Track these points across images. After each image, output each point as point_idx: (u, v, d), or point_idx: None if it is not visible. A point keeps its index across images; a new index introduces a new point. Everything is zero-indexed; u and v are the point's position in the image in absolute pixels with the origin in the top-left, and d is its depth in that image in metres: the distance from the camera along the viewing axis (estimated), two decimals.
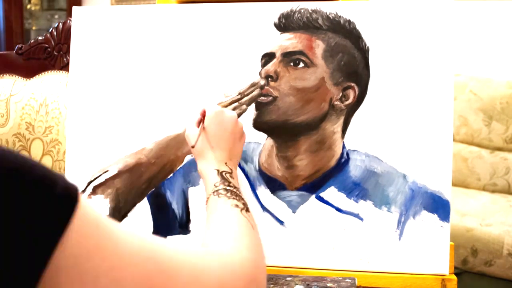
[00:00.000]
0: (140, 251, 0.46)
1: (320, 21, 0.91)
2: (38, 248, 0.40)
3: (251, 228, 0.64)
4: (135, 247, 0.46)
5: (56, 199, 0.41)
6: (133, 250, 0.46)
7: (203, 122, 0.77)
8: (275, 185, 0.91)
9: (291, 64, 0.91)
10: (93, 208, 0.45)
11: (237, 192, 0.69)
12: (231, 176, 0.71)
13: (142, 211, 0.93)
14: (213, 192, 0.68)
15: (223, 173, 0.70)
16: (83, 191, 0.92)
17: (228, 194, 0.68)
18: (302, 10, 0.92)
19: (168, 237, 0.94)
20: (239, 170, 0.92)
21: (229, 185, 0.69)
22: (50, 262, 0.40)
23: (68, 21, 1.21)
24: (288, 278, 0.85)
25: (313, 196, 0.90)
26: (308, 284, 0.82)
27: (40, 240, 0.40)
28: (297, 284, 0.82)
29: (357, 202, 0.89)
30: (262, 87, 0.91)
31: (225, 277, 0.53)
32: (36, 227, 0.40)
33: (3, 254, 0.39)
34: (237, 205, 0.67)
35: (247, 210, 0.68)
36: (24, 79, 1.25)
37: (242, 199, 0.69)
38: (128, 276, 0.45)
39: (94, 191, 0.93)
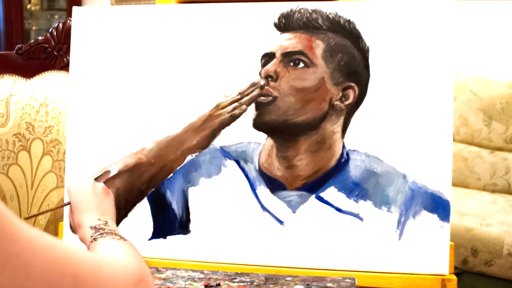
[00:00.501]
0: (52, 270, 0.47)
1: (320, 21, 0.91)
2: None
3: (128, 246, 0.67)
4: (46, 253, 0.47)
5: None
6: (43, 257, 0.46)
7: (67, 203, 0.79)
8: (275, 185, 0.91)
9: (291, 64, 0.91)
10: (2, 213, 0.44)
11: (112, 232, 0.71)
12: (104, 225, 0.73)
13: (142, 211, 0.93)
14: (91, 242, 0.70)
15: (96, 226, 0.73)
16: None
17: (104, 235, 0.70)
18: (302, 10, 0.92)
19: (168, 237, 0.94)
20: (239, 170, 0.92)
21: (103, 231, 0.71)
22: None
23: (68, 21, 1.21)
24: (288, 278, 0.85)
25: (313, 196, 0.90)
26: (308, 284, 0.82)
27: None
28: (297, 284, 0.82)
29: (357, 202, 0.89)
30: (262, 87, 0.91)
31: (120, 271, 0.56)
32: None
33: None
34: (113, 238, 0.69)
35: (124, 239, 0.70)
36: (24, 79, 1.25)
37: (118, 234, 0.71)
38: (37, 260, 0.45)
39: None
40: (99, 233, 0.70)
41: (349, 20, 0.91)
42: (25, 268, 0.44)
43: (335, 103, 0.91)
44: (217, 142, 0.92)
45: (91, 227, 0.72)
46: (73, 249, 0.51)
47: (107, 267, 0.55)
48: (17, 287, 0.44)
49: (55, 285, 0.47)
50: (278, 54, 0.91)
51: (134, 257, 0.64)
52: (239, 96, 0.91)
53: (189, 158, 0.91)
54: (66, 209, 0.97)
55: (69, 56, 1.06)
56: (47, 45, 1.25)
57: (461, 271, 2.01)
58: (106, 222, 0.73)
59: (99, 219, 0.73)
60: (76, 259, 0.50)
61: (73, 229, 0.77)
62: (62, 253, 0.48)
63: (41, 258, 0.46)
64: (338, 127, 0.91)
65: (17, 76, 1.25)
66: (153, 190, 0.92)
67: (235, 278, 0.84)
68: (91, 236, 0.70)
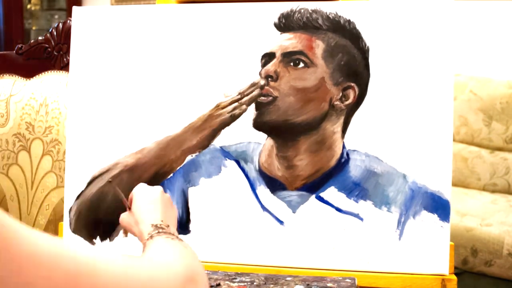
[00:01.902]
0: (57, 267, 0.41)
1: (320, 21, 0.91)
2: None
3: (182, 247, 0.64)
4: (54, 265, 0.41)
5: None
6: (51, 269, 0.41)
7: (130, 206, 0.77)
8: (275, 185, 0.91)
9: (291, 64, 0.91)
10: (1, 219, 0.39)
11: (171, 234, 0.69)
12: (166, 227, 0.70)
13: None
14: (147, 239, 0.67)
15: (157, 225, 0.70)
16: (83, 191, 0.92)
17: (161, 234, 0.67)
18: (302, 10, 0.92)
19: None
20: (239, 170, 0.92)
21: (162, 230, 0.69)
22: None
23: (68, 21, 1.21)
24: (288, 278, 0.85)
25: (313, 196, 0.90)
26: (308, 284, 0.82)
27: None
28: (297, 284, 0.82)
29: (357, 202, 0.89)
30: (262, 87, 0.91)
31: (162, 274, 0.52)
32: None
33: None
34: (168, 237, 0.66)
35: (180, 240, 0.67)
36: (24, 79, 1.25)
37: (177, 237, 0.68)
38: (41, 278, 0.40)
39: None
40: (157, 231, 0.67)
41: (349, 20, 0.91)
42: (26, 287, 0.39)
43: (335, 103, 0.91)
44: (217, 142, 0.92)
45: (152, 224, 0.69)
46: (93, 256, 0.45)
47: (140, 272, 0.50)
48: None
49: None
50: (278, 54, 0.91)
51: (184, 256, 0.59)
52: (239, 96, 0.91)
53: (189, 158, 0.91)
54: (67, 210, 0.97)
55: (69, 56, 1.06)
56: (47, 45, 1.25)
57: (461, 271, 2.01)
58: (168, 226, 0.70)
59: (162, 221, 0.71)
60: (95, 268, 0.44)
61: (127, 225, 0.75)
62: (75, 267, 0.43)
63: (46, 276, 0.40)
64: (338, 127, 0.91)
65: (17, 76, 1.25)
66: None
67: (235, 278, 0.84)
68: (149, 234, 0.67)
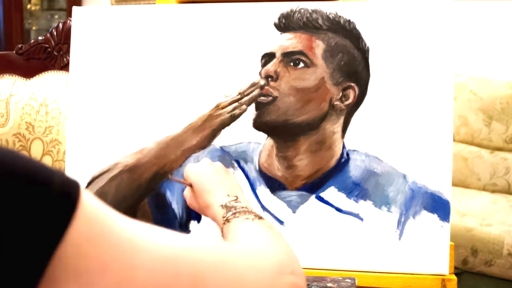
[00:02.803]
0: (157, 254, 0.41)
1: (320, 21, 0.91)
2: (32, 259, 0.35)
3: (267, 229, 0.62)
4: (155, 252, 0.41)
5: (52, 201, 0.36)
6: (152, 257, 0.40)
7: (187, 185, 0.77)
8: (275, 185, 0.91)
9: (291, 64, 0.91)
10: (97, 206, 0.40)
11: (245, 209, 0.67)
12: (235, 202, 0.70)
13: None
14: (223, 223, 0.66)
15: (227, 204, 0.69)
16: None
17: (237, 215, 0.66)
18: (302, 10, 0.92)
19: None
20: (239, 170, 0.92)
21: (235, 209, 0.67)
22: (46, 273, 0.35)
23: (68, 21, 1.21)
24: None
25: (313, 196, 0.90)
26: (308, 284, 0.82)
27: (34, 248, 0.35)
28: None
29: (357, 202, 0.89)
30: (262, 87, 0.91)
31: (257, 262, 0.49)
32: (29, 234, 0.35)
33: None
34: (247, 218, 0.64)
35: (260, 218, 0.65)
36: (24, 79, 1.25)
37: (252, 212, 0.67)
38: (143, 262, 0.40)
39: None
40: (231, 212, 0.65)
41: (349, 20, 0.91)
42: (128, 273, 0.39)
43: (335, 103, 0.91)
44: (217, 142, 0.92)
45: (221, 205, 0.68)
46: (191, 243, 0.45)
47: (238, 258, 0.48)
48: None
49: (168, 286, 0.41)
50: (278, 54, 0.91)
51: (276, 241, 0.56)
52: (239, 96, 0.91)
53: (189, 158, 0.91)
54: None
55: (69, 56, 1.06)
56: (47, 45, 1.25)
57: (461, 271, 2.01)
58: (237, 198, 0.69)
59: (228, 195, 0.70)
60: (192, 255, 0.44)
61: (200, 211, 0.75)
62: (174, 251, 0.43)
63: (148, 259, 0.40)
64: (338, 127, 0.91)
65: (17, 76, 1.25)
66: (153, 190, 0.92)
67: None
68: (223, 217, 0.65)
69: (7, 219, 0.34)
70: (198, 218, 0.93)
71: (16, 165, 0.36)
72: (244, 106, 0.91)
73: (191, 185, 0.77)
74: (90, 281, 0.37)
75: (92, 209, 0.39)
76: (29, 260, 0.35)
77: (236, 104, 0.91)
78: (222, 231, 0.66)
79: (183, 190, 0.93)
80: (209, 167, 0.77)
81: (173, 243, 0.44)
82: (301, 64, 0.90)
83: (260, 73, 0.92)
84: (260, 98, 0.91)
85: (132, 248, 0.40)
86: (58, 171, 0.38)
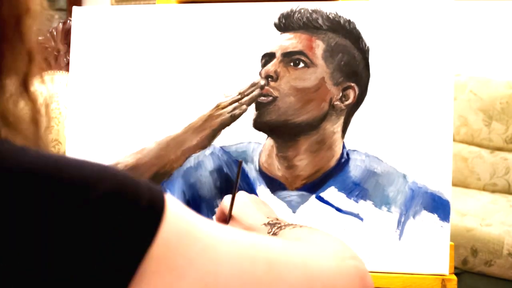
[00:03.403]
0: (241, 262, 0.44)
1: (320, 21, 0.91)
2: (118, 271, 0.38)
3: (316, 230, 0.64)
4: (229, 242, 0.44)
5: (139, 216, 0.40)
6: (230, 250, 0.44)
7: (229, 215, 0.77)
8: (275, 185, 0.91)
9: (291, 64, 0.91)
10: (183, 215, 0.43)
11: (290, 224, 0.68)
12: (277, 220, 0.71)
13: None
14: (270, 233, 0.67)
15: (269, 222, 0.70)
16: None
17: (283, 228, 0.67)
18: (302, 10, 0.92)
19: None
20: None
21: (279, 224, 0.69)
22: (138, 273, 0.39)
23: (68, 21, 1.21)
24: None
25: (313, 196, 0.90)
26: None
27: (121, 262, 0.38)
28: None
29: (357, 202, 0.89)
30: (262, 87, 0.91)
31: (321, 252, 0.52)
32: (117, 245, 0.38)
33: (83, 278, 0.37)
34: (294, 227, 0.66)
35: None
36: None
37: (298, 224, 0.69)
38: (228, 281, 0.43)
39: None
40: (276, 227, 0.67)
41: (349, 20, 0.91)
42: (211, 266, 0.42)
43: (335, 103, 0.91)
44: (217, 142, 0.92)
45: (264, 224, 0.70)
46: (259, 236, 0.48)
47: (302, 247, 0.51)
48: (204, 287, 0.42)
49: (247, 274, 0.44)
50: (278, 54, 0.91)
51: (330, 236, 0.59)
52: (239, 96, 0.91)
53: (189, 158, 0.92)
54: None
55: (69, 56, 1.06)
56: (47, 45, 1.24)
57: (461, 271, 2.01)
58: (277, 219, 0.71)
59: (268, 217, 0.71)
60: (265, 243, 0.47)
61: None
62: (248, 241, 0.46)
63: (228, 251, 0.44)
64: (338, 127, 0.91)
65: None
66: None
67: None
68: (269, 232, 0.67)
69: (101, 233, 0.38)
70: None
71: (105, 180, 0.40)
72: (244, 106, 0.91)
73: (229, 218, 0.76)
74: (179, 275, 0.41)
75: (176, 213, 0.42)
76: (122, 262, 0.39)
77: (236, 104, 0.91)
78: None
79: (183, 191, 0.93)
80: (245, 197, 0.78)
81: (246, 236, 0.47)
82: (301, 64, 0.91)
83: (260, 73, 0.92)
84: (260, 98, 0.91)
85: (213, 242, 0.43)
86: (144, 182, 0.42)
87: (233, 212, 0.76)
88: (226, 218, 0.77)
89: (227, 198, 0.78)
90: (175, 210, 0.42)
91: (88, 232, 0.38)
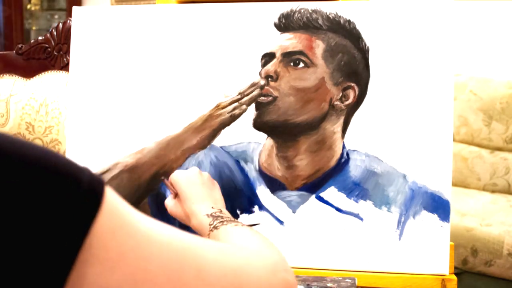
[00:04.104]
0: (168, 247, 0.44)
1: (320, 21, 0.91)
2: (61, 252, 0.38)
3: (257, 233, 0.65)
4: (166, 246, 0.44)
5: (80, 197, 0.39)
6: (162, 250, 0.44)
7: (173, 192, 0.79)
8: (275, 185, 0.91)
9: (291, 64, 0.91)
10: (121, 209, 0.43)
11: (232, 219, 0.69)
12: (220, 213, 0.72)
13: (142, 211, 0.93)
14: (210, 230, 0.68)
15: (213, 213, 0.71)
16: None
17: (225, 223, 0.68)
18: (302, 10, 0.92)
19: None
20: (240, 171, 0.92)
21: (222, 218, 0.69)
22: (75, 263, 0.39)
23: (68, 21, 1.21)
24: None
25: (313, 196, 0.90)
26: (308, 284, 0.82)
27: (62, 243, 0.38)
28: (297, 284, 0.82)
29: (357, 202, 0.89)
30: (262, 87, 0.91)
31: (253, 259, 0.53)
32: (58, 228, 0.38)
33: (21, 259, 0.37)
34: (236, 224, 0.67)
35: (247, 226, 0.68)
36: (24, 79, 1.25)
37: (239, 221, 0.70)
38: (155, 280, 0.43)
39: None
40: (218, 220, 0.68)
41: (349, 20, 0.91)
42: (142, 263, 0.42)
43: (335, 103, 0.91)
44: (217, 142, 0.92)
45: (207, 215, 0.70)
46: (194, 239, 0.48)
47: (236, 256, 0.51)
48: (132, 284, 0.42)
49: (175, 278, 0.44)
50: (278, 54, 0.91)
51: (267, 243, 0.59)
52: (239, 96, 0.91)
53: (189, 158, 0.92)
54: None
55: (69, 56, 1.06)
56: (47, 45, 1.25)
57: (461, 271, 2.01)
58: (221, 210, 0.71)
59: (212, 207, 0.72)
60: (198, 249, 0.47)
61: (182, 219, 0.76)
62: (182, 244, 0.46)
63: (160, 251, 0.44)
64: (338, 127, 0.91)
65: (17, 76, 1.25)
66: (153, 190, 0.92)
67: None
68: (210, 224, 0.68)
69: (39, 215, 0.37)
70: None
71: (48, 162, 0.39)
72: (244, 106, 0.91)
73: (176, 194, 0.78)
74: (109, 268, 0.41)
75: (114, 204, 0.42)
76: (59, 252, 0.38)
77: (236, 104, 0.91)
78: (208, 238, 0.68)
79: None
80: (197, 176, 0.79)
81: (181, 238, 0.47)
82: (301, 64, 0.90)
83: (260, 73, 0.92)
84: (260, 98, 0.91)
85: (147, 240, 0.43)
86: (86, 168, 0.41)
87: (180, 191, 0.76)
88: (174, 192, 0.78)
89: (176, 174, 0.79)
90: (114, 202, 0.42)
91: (20, 212, 0.37)
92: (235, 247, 0.56)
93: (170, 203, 0.80)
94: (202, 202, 0.74)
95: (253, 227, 0.69)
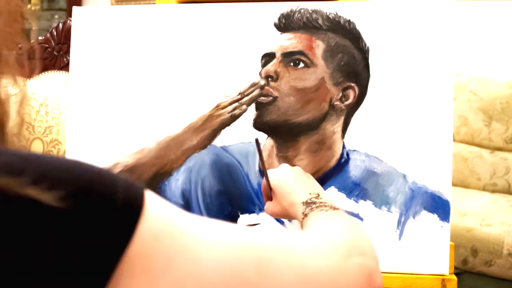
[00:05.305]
0: (221, 245, 0.42)
1: (320, 21, 0.91)
2: (92, 276, 0.37)
3: (339, 215, 0.63)
4: (215, 241, 0.42)
5: (114, 215, 0.38)
6: (215, 249, 0.41)
7: (270, 188, 0.77)
8: None
9: (291, 64, 0.91)
10: (163, 213, 0.41)
11: (324, 204, 0.67)
12: (316, 198, 0.70)
13: None
14: (302, 219, 0.66)
15: (308, 200, 0.69)
16: None
17: (314, 209, 0.67)
18: (302, 10, 0.92)
19: None
20: (239, 170, 0.92)
21: (314, 204, 0.68)
22: (114, 275, 0.37)
23: (68, 21, 1.21)
24: None
25: None
26: None
27: (94, 266, 0.37)
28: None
29: (357, 202, 0.89)
30: (262, 87, 0.91)
31: (323, 246, 0.50)
32: (90, 249, 0.37)
33: (58, 277, 0.35)
34: (321, 210, 0.65)
35: (335, 208, 0.66)
36: (24, 79, 1.25)
37: (329, 205, 0.67)
38: (211, 281, 0.41)
39: None
40: (309, 207, 0.67)
41: (349, 20, 0.91)
42: (193, 266, 0.40)
43: (335, 103, 0.91)
44: (217, 142, 0.92)
45: (303, 202, 0.69)
46: (251, 231, 0.46)
47: (302, 243, 0.48)
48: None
49: (233, 275, 0.41)
50: (278, 54, 0.91)
51: (347, 225, 0.57)
52: (239, 96, 0.91)
53: (189, 158, 0.92)
54: None
55: (69, 56, 1.06)
56: (47, 45, 1.25)
57: (461, 271, 2.01)
58: (318, 195, 0.70)
59: (309, 193, 0.71)
60: (255, 241, 0.44)
61: (284, 215, 0.76)
62: (237, 239, 0.43)
63: (210, 250, 0.41)
64: (338, 127, 0.91)
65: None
66: (153, 190, 0.92)
67: None
68: (302, 213, 0.66)
69: (73, 233, 0.36)
70: None
71: (81, 179, 0.38)
72: (244, 106, 0.91)
73: (270, 197, 0.78)
74: (156, 277, 0.39)
75: (155, 211, 0.40)
76: (95, 271, 0.37)
77: (236, 104, 0.91)
78: (302, 228, 0.66)
79: (183, 191, 0.93)
80: (288, 170, 0.78)
81: (235, 232, 0.44)
82: (301, 64, 0.91)
83: (260, 73, 0.92)
84: (260, 98, 0.91)
85: (196, 241, 0.41)
86: (123, 180, 0.40)
87: (275, 188, 0.76)
88: (268, 194, 0.78)
89: (270, 172, 0.78)
90: (155, 208, 0.40)
91: (57, 236, 0.36)
92: (304, 234, 0.53)
93: (268, 206, 0.78)
94: (299, 191, 0.73)
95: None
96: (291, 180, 0.76)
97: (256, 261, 0.43)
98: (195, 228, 0.42)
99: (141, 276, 0.38)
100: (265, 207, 0.80)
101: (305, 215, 0.66)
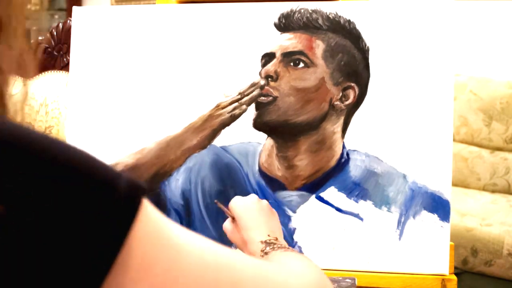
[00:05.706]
0: (201, 260, 0.43)
1: (320, 21, 0.91)
2: (97, 258, 0.37)
3: (304, 257, 0.64)
4: (199, 258, 0.43)
5: (117, 204, 0.38)
6: (196, 263, 0.43)
7: (232, 218, 0.77)
8: (275, 185, 0.91)
9: (291, 64, 0.91)
10: (154, 211, 0.42)
11: (285, 246, 0.69)
12: (276, 240, 0.71)
13: None
14: (261, 256, 0.67)
15: (267, 241, 0.70)
16: None
17: (275, 249, 0.67)
18: (302, 10, 0.92)
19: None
20: (239, 170, 0.92)
21: (274, 245, 0.69)
22: (109, 276, 0.38)
23: (68, 21, 1.21)
24: None
25: (313, 196, 0.90)
26: None
27: (100, 248, 0.37)
28: None
29: (357, 202, 0.89)
30: (262, 87, 0.91)
31: (292, 280, 0.52)
32: (95, 232, 0.37)
33: (56, 265, 0.36)
34: (285, 250, 0.66)
35: (293, 250, 0.68)
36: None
37: (291, 248, 0.69)
38: (187, 265, 0.42)
39: None
40: (270, 247, 0.67)
41: (349, 20, 0.91)
42: (172, 274, 0.41)
43: (335, 103, 0.91)
44: (217, 142, 0.92)
45: (261, 241, 0.69)
46: (231, 254, 0.47)
47: (275, 275, 0.50)
48: None
49: None
50: (278, 54, 0.91)
51: (311, 266, 0.59)
52: (239, 96, 0.91)
53: (189, 158, 0.92)
54: None
55: (69, 56, 1.06)
56: (47, 45, 1.25)
57: (461, 271, 2.01)
58: (277, 238, 0.70)
59: (268, 235, 0.71)
60: (234, 264, 0.46)
61: (238, 245, 0.75)
62: (218, 258, 0.45)
63: (191, 264, 0.42)
64: (338, 127, 0.91)
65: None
66: (153, 190, 0.92)
67: None
68: (262, 250, 0.67)
69: (73, 220, 0.36)
70: (199, 217, 0.93)
71: (86, 166, 0.38)
72: (244, 106, 0.91)
73: (233, 218, 0.76)
74: (137, 278, 0.40)
75: (151, 213, 0.41)
76: (96, 259, 0.37)
77: (236, 104, 0.91)
78: None
79: (183, 191, 0.92)
80: (256, 204, 0.76)
81: (216, 251, 0.46)
82: (301, 64, 0.91)
83: (260, 73, 0.92)
84: (260, 98, 0.91)
85: (178, 252, 0.42)
86: (123, 174, 0.40)
87: (238, 218, 0.75)
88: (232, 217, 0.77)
89: (235, 200, 0.77)
90: (151, 211, 0.41)
91: (57, 217, 0.36)
92: (275, 265, 0.56)
93: (228, 228, 0.77)
94: (258, 229, 0.72)
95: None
96: (254, 216, 0.74)
97: (231, 282, 0.45)
98: (179, 239, 0.43)
99: (131, 273, 0.39)
100: (225, 226, 0.77)
101: (265, 253, 0.67)
